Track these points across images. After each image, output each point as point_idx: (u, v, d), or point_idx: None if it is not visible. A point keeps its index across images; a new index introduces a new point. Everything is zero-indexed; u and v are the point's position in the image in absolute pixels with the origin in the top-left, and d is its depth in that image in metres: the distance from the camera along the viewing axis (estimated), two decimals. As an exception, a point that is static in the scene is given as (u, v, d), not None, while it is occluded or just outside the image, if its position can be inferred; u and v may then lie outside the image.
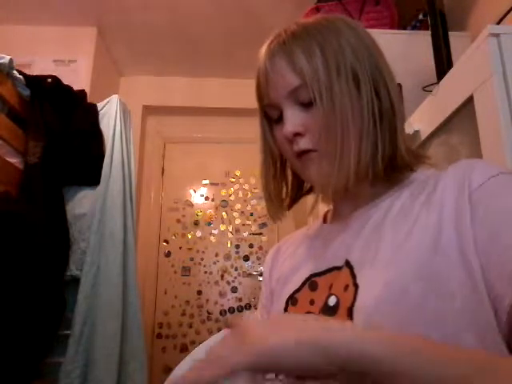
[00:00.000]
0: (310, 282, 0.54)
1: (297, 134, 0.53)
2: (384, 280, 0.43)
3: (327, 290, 0.51)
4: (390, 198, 0.54)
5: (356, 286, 0.46)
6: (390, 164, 0.54)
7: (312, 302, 0.52)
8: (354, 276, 0.47)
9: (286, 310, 0.55)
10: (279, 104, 0.54)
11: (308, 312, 0.51)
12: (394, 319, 0.41)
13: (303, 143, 0.53)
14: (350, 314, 0.44)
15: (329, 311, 0.47)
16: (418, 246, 0.44)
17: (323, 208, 0.67)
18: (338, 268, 0.52)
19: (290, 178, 0.63)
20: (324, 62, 0.50)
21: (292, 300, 0.55)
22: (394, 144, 0.53)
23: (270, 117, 0.57)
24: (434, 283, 0.41)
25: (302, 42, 0.52)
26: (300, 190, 0.64)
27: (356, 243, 0.51)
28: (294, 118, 0.52)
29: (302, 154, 0.53)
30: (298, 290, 0.55)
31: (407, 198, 0.51)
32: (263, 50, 0.56)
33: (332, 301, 0.48)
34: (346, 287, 0.47)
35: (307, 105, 0.52)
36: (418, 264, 0.43)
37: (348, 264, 0.50)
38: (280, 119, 0.55)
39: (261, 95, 0.57)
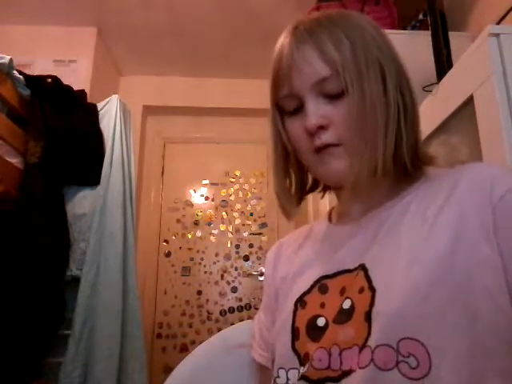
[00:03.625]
0: (320, 285, 0.53)
1: (320, 128, 0.50)
2: (404, 285, 0.43)
3: (338, 293, 0.50)
4: (405, 199, 0.52)
5: (373, 289, 0.45)
6: (412, 160, 0.53)
7: (323, 305, 0.51)
8: (369, 279, 0.46)
9: (294, 312, 0.53)
10: (301, 94, 0.51)
11: (317, 315, 0.50)
12: (415, 325, 0.40)
13: (326, 137, 0.50)
14: (367, 319, 0.43)
15: (344, 314, 0.46)
16: (437, 253, 0.43)
17: (324, 205, 0.66)
18: (350, 271, 0.50)
19: (293, 175, 0.60)
20: (353, 52, 0.49)
21: (301, 302, 0.54)
22: (416, 140, 0.53)
23: (284, 108, 0.55)
24: (453, 291, 0.41)
25: (330, 30, 0.50)
26: (303, 187, 0.62)
27: (371, 248, 0.50)
28: (318, 110, 0.50)
29: (322, 148, 0.51)
30: (307, 292, 0.54)
31: (423, 201, 0.50)
32: (284, 37, 0.54)
33: (347, 304, 0.47)
34: (361, 290, 0.46)
35: (332, 97, 0.50)
36: (437, 271, 0.42)
37: (363, 267, 0.48)
38: (296, 111, 0.53)
39: (279, 84, 0.53)
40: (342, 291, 0.49)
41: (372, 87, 0.49)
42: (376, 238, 0.51)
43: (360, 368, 0.41)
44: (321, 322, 0.49)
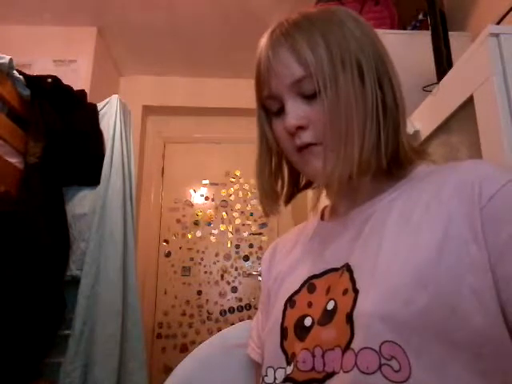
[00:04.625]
0: (309, 285, 0.53)
1: (299, 128, 0.51)
2: (386, 287, 0.42)
3: (324, 293, 0.50)
4: (391, 196, 0.52)
5: (356, 291, 0.45)
6: (393, 159, 0.52)
7: (310, 305, 0.51)
8: (353, 281, 0.46)
9: (284, 311, 0.54)
10: (281, 95, 0.52)
11: (305, 314, 0.50)
12: (395, 328, 0.40)
13: (306, 137, 0.51)
14: (348, 320, 0.43)
15: (327, 316, 0.46)
16: (422, 254, 0.43)
17: (323, 204, 0.67)
18: (336, 269, 0.51)
19: (286, 173, 0.61)
20: (328, 52, 0.49)
21: (290, 302, 0.54)
22: (397, 138, 0.52)
23: (269, 109, 0.56)
24: (438, 294, 0.40)
25: (306, 32, 0.50)
26: (296, 185, 0.63)
27: (356, 246, 0.50)
28: (296, 111, 0.51)
29: (304, 148, 0.52)
30: (296, 292, 0.54)
31: (408, 199, 0.50)
32: (264, 39, 0.54)
33: (330, 305, 0.47)
34: (345, 291, 0.46)
35: (310, 97, 0.50)
36: (421, 274, 0.41)
37: (348, 268, 0.48)
38: (280, 112, 0.53)
39: (261, 86, 0.55)
40: (328, 291, 0.50)
41: (347, 87, 0.49)
42: (360, 235, 0.51)
43: (344, 372, 0.41)
44: (308, 321, 0.49)
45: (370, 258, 0.46)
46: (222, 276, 2.81)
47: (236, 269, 2.83)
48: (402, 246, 0.45)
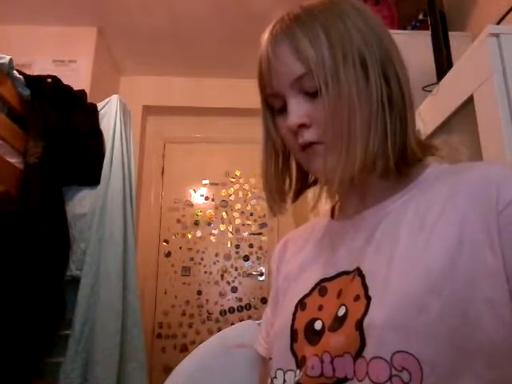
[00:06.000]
0: (320, 287, 0.52)
1: (302, 126, 0.49)
2: (400, 296, 0.41)
3: (335, 296, 0.49)
4: (403, 198, 0.50)
5: (368, 298, 0.43)
6: (401, 156, 0.50)
7: (320, 308, 0.50)
8: (365, 286, 0.45)
9: (294, 314, 0.53)
10: (283, 93, 0.50)
11: (315, 318, 0.49)
12: (408, 338, 0.39)
13: (308, 135, 0.49)
14: (358, 327, 0.42)
15: (337, 322, 0.46)
16: (436, 260, 0.41)
17: (324, 204, 0.66)
18: (347, 273, 0.50)
19: (294, 170, 0.60)
20: (330, 48, 0.47)
21: (301, 305, 0.53)
22: (404, 134, 0.49)
23: (273, 107, 0.54)
24: (452, 301, 0.39)
25: (306, 26, 0.48)
26: (305, 182, 0.61)
27: (368, 250, 0.48)
28: (298, 109, 0.49)
29: (307, 146, 0.50)
30: (307, 295, 0.53)
31: (420, 203, 0.48)
32: (265, 35, 0.52)
33: (341, 311, 0.46)
34: (357, 298, 0.45)
35: (312, 94, 0.48)
36: (435, 281, 0.40)
37: (359, 272, 0.47)
38: (283, 109, 0.52)
39: (263, 84, 0.53)
40: (339, 294, 0.49)
41: (350, 83, 0.47)
42: (372, 239, 0.49)
43: (358, 380, 0.41)
44: (318, 325, 0.49)
45: (383, 265, 0.45)
46: (222, 276, 2.81)
47: (236, 269, 2.83)
48: (415, 253, 0.43)
